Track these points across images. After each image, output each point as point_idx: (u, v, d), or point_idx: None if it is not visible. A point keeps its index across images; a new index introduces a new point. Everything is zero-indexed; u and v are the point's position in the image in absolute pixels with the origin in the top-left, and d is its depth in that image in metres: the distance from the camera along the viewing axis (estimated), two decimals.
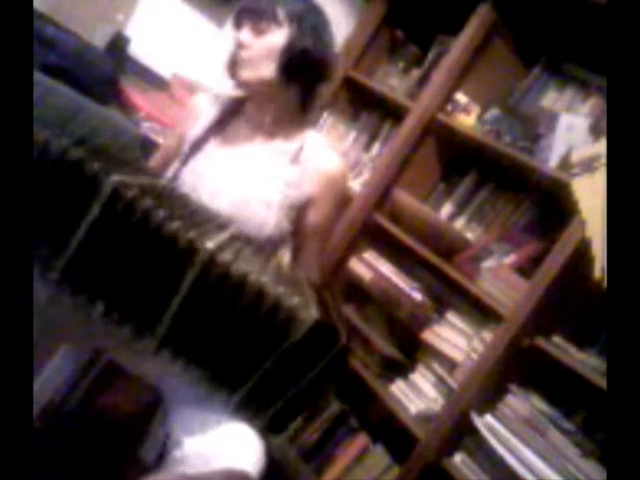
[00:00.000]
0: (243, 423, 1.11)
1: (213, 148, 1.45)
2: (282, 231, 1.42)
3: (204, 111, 1.50)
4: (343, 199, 1.51)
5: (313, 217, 1.44)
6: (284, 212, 1.40)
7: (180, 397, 1.21)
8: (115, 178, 1.03)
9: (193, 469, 1.05)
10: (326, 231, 1.47)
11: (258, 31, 1.36)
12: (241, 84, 1.41)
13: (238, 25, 1.39)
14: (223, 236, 1.13)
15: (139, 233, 1.04)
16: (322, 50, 1.40)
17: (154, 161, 1.60)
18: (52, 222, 1.07)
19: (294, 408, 1.10)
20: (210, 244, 1.03)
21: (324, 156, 1.45)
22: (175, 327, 1.05)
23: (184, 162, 1.45)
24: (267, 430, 1.12)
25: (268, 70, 1.37)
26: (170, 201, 1.16)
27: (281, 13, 1.36)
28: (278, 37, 1.36)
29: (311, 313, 1.03)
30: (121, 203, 1.03)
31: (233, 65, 1.39)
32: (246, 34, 1.36)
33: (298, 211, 1.43)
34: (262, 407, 1.09)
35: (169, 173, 1.47)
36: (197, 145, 1.45)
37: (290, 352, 1.04)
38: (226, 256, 1.04)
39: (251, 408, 1.09)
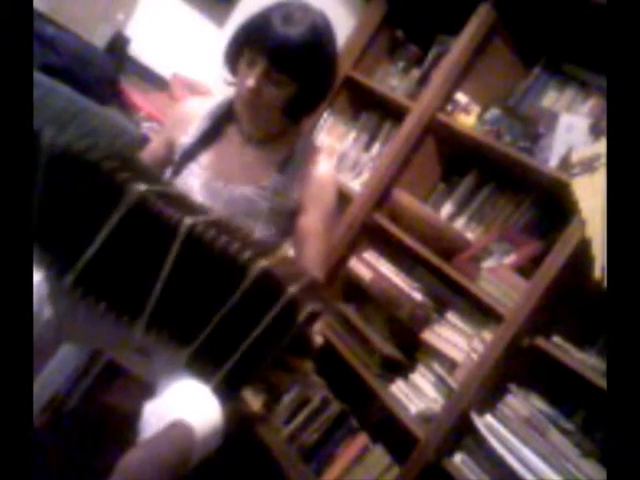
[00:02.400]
0: (200, 383, 1.14)
1: (204, 159, 1.43)
2: (270, 237, 1.43)
3: (194, 118, 1.48)
4: (334, 202, 1.50)
5: (305, 221, 1.44)
6: (272, 220, 1.42)
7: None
8: (140, 188, 1.11)
9: (151, 429, 1.08)
10: (321, 234, 1.46)
11: (270, 78, 1.31)
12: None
13: (252, 60, 1.31)
14: (206, 217, 1.18)
15: (157, 236, 1.12)
16: (328, 86, 1.41)
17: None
18: (79, 227, 1.16)
19: (248, 363, 1.11)
20: (189, 220, 1.10)
21: (312, 161, 1.45)
22: (161, 302, 1.13)
23: (176, 172, 1.45)
24: (223, 387, 1.14)
25: (273, 115, 1.37)
26: (181, 202, 1.22)
27: (298, 68, 1.31)
28: (288, 90, 1.33)
29: (259, 264, 1.07)
30: (144, 210, 1.12)
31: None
32: (257, 79, 1.30)
33: (288, 218, 1.44)
34: (216, 362, 1.12)
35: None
36: (188, 156, 1.44)
37: (240, 303, 1.09)
38: (199, 228, 1.10)
39: (206, 363, 1.13)
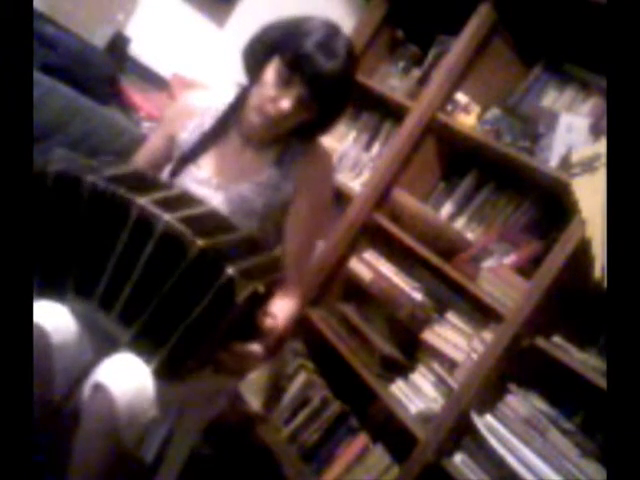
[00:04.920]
0: (139, 360, 1.15)
1: (202, 160, 1.43)
2: (266, 234, 1.43)
3: (193, 114, 1.47)
4: (328, 197, 1.50)
5: (294, 212, 1.43)
6: (268, 216, 1.41)
7: None
8: (142, 201, 1.12)
9: (90, 400, 1.12)
10: (309, 226, 1.45)
11: (301, 102, 1.31)
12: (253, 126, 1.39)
13: (287, 79, 1.30)
14: (189, 211, 1.18)
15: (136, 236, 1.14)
16: (344, 109, 1.45)
17: (140, 157, 1.54)
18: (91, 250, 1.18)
19: (187, 344, 1.11)
20: (167, 216, 1.11)
21: (309, 155, 1.44)
22: (131, 296, 1.15)
23: (175, 172, 1.44)
24: (164, 368, 1.14)
25: (285, 129, 1.38)
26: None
27: (331, 99, 1.35)
28: (310, 114, 1.35)
29: (197, 244, 1.08)
30: (148, 225, 1.12)
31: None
32: (293, 103, 1.30)
33: (283, 212, 1.44)
34: (156, 343, 1.13)
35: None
36: (187, 156, 1.44)
37: (179, 284, 1.10)
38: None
39: (146, 345, 1.14)
